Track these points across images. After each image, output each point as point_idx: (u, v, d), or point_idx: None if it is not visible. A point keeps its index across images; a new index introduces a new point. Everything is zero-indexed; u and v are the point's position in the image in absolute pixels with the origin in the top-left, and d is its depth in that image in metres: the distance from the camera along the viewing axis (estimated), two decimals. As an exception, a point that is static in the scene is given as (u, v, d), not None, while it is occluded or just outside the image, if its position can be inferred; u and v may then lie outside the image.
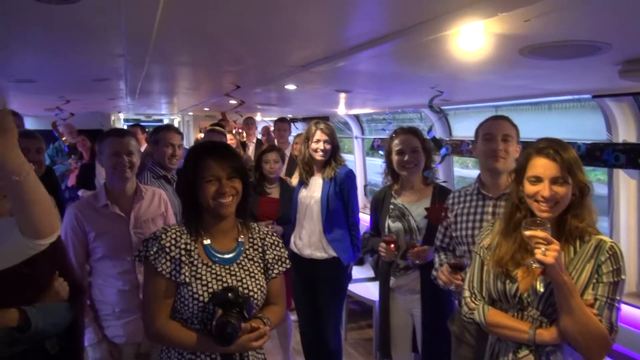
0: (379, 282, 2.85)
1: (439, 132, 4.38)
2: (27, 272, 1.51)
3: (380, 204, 2.80)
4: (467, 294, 1.78)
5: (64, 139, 6.19)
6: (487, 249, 1.78)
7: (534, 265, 1.54)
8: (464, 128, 4.39)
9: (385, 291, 2.75)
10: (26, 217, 1.21)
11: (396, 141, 2.69)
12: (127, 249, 2.31)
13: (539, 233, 1.50)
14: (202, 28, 1.85)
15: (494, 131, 2.18)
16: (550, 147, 1.61)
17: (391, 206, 2.72)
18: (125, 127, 8.44)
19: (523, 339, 1.61)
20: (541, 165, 1.61)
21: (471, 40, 1.57)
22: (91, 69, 3.06)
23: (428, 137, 2.92)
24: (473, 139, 2.33)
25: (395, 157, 2.68)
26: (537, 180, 1.61)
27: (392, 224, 2.68)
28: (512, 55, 1.87)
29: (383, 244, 2.58)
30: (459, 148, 3.93)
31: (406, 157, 2.64)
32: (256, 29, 1.83)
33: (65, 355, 1.81)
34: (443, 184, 2.90)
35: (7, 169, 1.14)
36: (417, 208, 2.64)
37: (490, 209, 2.19)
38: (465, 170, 7.47)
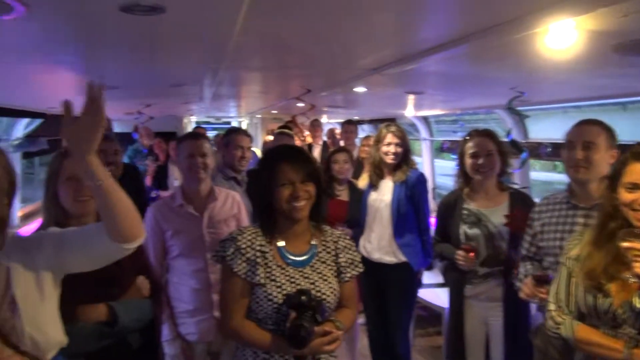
0: (450, 289, 2.75)
1: (514, 134, 4.18)
2: (115, 270, 1.59)
3: (450, 208, 2.70)
4: (552, 307, 1.69)
5: (142, 141, 6.47)
6: (575, 260, 1.67)
7: (632, 280, 1.43)
8: (541, 130, 4.17)
9: (458, 298, 2.64)
10: (110, 222, 1.28)
11: (470, 144, 2.59)
12: (201, 248, 2.38)
13: (639, 245, 1.39)
14: (278, 34, 1.87)
15: (573, 138, 2.04)
16: None
17: (465, 211, 2.61)
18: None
19: (616, 359, 1.50)
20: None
21: (561, 37, 1.47)
22: (170, 75, 3.19)
23: (506, 140, 2.78)
24: (550, 141, 2.20)
25: (468, 160, 2.58)
26: (635, 187, 1.49)
27: (469, 231, 2.57)
28: (603, 52, 1.75)
29: (461, 252, 2.47)
30: (537, 151, 3.72)
31: (480, 161, 2.54)
32: (330, 32, 1.84)
33: (145, 349, 1.89)
34: (522, 190, 2.75)
35: (90, 174, 1.22)
36: (493, 214, 2.53)
37: (581, 220, 2.03)
38: (534, 173, 7.12)
